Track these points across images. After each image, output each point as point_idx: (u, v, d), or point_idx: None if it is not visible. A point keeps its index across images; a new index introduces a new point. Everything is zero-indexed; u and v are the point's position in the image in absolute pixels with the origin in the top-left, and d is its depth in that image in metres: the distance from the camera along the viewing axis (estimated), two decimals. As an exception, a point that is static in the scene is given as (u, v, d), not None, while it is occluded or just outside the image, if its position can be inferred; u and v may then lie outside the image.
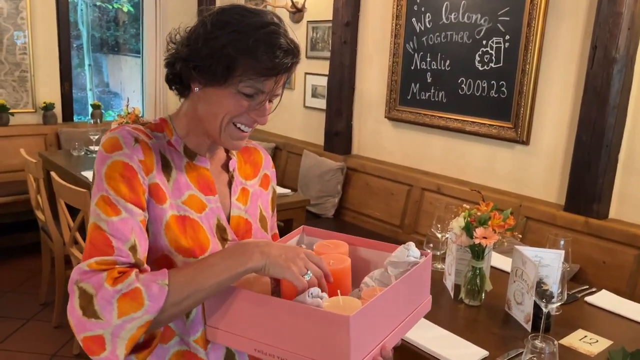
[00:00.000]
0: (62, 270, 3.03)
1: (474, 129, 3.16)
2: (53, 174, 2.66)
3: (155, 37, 4.82)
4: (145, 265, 0.93)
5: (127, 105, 3.61)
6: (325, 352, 0.79)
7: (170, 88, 1.05)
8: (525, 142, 2.95)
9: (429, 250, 2.09)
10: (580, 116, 2.64)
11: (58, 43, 4.45)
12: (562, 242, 1.79)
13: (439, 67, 3.34)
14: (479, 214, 1.76)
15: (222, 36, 0.92)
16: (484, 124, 3.11)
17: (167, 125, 1.05)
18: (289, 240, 1.12)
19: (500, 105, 3.02)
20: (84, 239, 2.55)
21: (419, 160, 3.54)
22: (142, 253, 0.92)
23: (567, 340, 1.61)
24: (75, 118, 4.79)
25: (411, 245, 1.01)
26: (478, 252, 1.77)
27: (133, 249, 0.90)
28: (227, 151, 1.13)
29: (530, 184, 2.98)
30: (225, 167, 1.12)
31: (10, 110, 4.20)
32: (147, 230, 0.95)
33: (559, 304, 1.54)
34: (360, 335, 0.80)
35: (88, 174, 3.18)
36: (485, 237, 1.71)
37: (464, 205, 1.82)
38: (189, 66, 0.96)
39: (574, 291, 1.95)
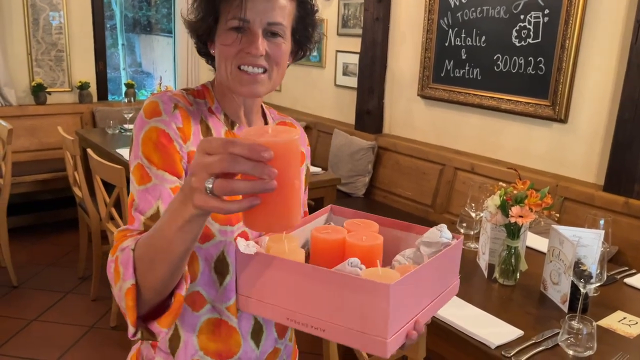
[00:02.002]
0: (99, 246, 3.11)
1: (509, 107, 3.09)
2: (89, 151, 2.72)
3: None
4: None
5: (160, 84, 3.64)
6: (362, 322, 0.77)
7: (207, 62, 1.06)
8: (563, 121, 2.86)
9: (461, 232, 2.08)
10: (623, 93, 2.55)
11: (92, 23, 4.51)
12: (602, 222, 1.74)
13: (474, 44, 3.25)
14: (515, 192, 1.72)
15: None
16: (520, 101, 3.03)
17: (209, 92, 1.04)
18: (315, 219, 1.09)
19: (538, 83, 2.94)
20: (120, 215, 2.61)
21: (452, 139, 3.49)
22: None
23: (605, 322, 1.57)
24: (109, 97, 4.86)
25: (444, 227, 0.99)
26: (513, 231, 1.74)
27: (155, 215, 0.90)
28: (264, 117, 1.12)
29: (567, 163, 2.90)
30: None
31: (48, 89, 4.29)
32: None
33: (598, 284, 1.51)
34: (398, 306, 0.78)
35: (123, 152, 3.24)
36: (521, 216, 1.68)
37: (500, 183, 1.78)
38: (194, 28, 0.98)
39: (612, 272, 1.90)
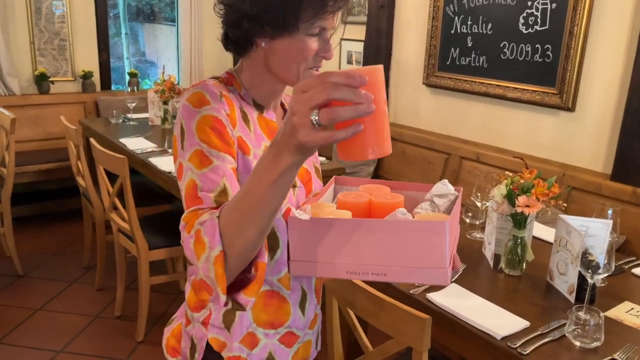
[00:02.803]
0: (103, 235, 3.11)
1: (516, 95, 3.05)
2: (92, 140, 2.70)
3: (190, 5, 4.79)
4: None
5: (163, 73, 3.62)
6: (422, 258, 0.88)
7: (227, 49, 1.06)
8: (571, 109, 2.82)
9: (466, 222, 2.06)
10: (632, 81, 2.51)
11: (95, 12, 4.48)
12: (610, 212, 1.71)
13: (480, 31, 3.21)
14: (522, 181, 1.70)
15: None
16: (527, 89, 2.99)
17: (235, 79, 1.07)
18: (326, 191, 1.13)
19: (545, 70, 2.90)
20: (123, 205, 2.60)
21: (457, 128, 3.45)
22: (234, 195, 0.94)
23: (612, 313, 1.55)
24: (113, 87, 4.84)
25: (446, 181, 1.11)
26: (520, 221, 1.71)
27: (223, 192, 0.91)
28: (282, 105, 1.16)
29: (574, 152, 2.86)
30: None
31: (51, 79, 4.28)
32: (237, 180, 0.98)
33: (605, 275, 1.49)
34: (450, 240, 0.89)
35: (126, 141, 3.22)
36: (528, 206, 1.65)
37: (507, 172, 1.75)
38: (258, 22, 0.96)
39: (620, 263, 1.88)
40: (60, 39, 4.33)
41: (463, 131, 3.42)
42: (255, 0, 0.95)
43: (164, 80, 3.51)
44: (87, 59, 4.49)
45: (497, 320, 1.47)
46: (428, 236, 0.87)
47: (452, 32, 3.37)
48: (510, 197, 1.69)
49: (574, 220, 1.63)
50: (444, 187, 1.10)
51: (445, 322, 1.52)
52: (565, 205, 1.72)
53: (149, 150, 3.03)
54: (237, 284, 0.88)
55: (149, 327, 2.77)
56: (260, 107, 1.08)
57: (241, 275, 0.88)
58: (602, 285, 1.72)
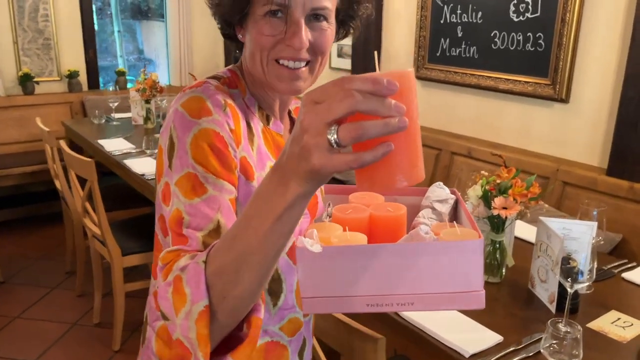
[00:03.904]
0: (81, 240, 3.02)
1: (508, 87, 2.91)
2: (62, 142, 2.60)
3: (177, 0, 4.68)
4: None
5: (144, 71, 3.51)
6: (456, 281, 0.77)
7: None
8: (565, 100, 2.68)
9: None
10: (627, 70, 2.36)
11: (80, 9, 4.38)
12: (595, 213, 1.58)
13: (470, 20, 3.06)
14: (498, 181, 1.57)
15: None
16: (519, 81, 2.85)
17: (239, 80, 0.88)
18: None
19: (537, 60, 2.75)
20: (94, 209, 2.50)
21: (448, 122, 3.32)
22: None
23: (596, 324, 1.42)
24: (107, 86, 4.73)
25: (440, 184, 1.02)
26: (497, 225, 1.58)
27: (215, 231, 0.74)
28: (289, 113, 0.99)
29: (569, 146, 2.72)
30: None
31: (36, 79, 4.18)
32: (235, 212, 0.80)
33: (587, 283, 1.36)
34: None
35: (105, 142, 3.13)
36: (505, 208, 1.53)
37: (482, 172, 1.62)
38: (220, 17, 0.87)
39: (610, 266, 1.75)
40: (45, 38, 4.24)
41: (454, 125, 3.28)
42: None
43: (145, 79, 3.41)
44: (73, 58, 4.39)
45: (467, 335, 1.34)
46: (462, 257, 0.77)
47: (442, 22, 3.23)
48: (487, 199, 1.56)
49: (555, 223, 1.50)
50: (442, 190, 0.99)
51: (411, 336, 1.40)
52: (546, 205, 1.59)
53: (125, 151, 2.93)
54: (223, 344, 0.72)
55: (127, 335, 2.68)
56: (266, 117, 0.90)
57: (229, 333, 0.73)
58: (589, 292, 1.59)
